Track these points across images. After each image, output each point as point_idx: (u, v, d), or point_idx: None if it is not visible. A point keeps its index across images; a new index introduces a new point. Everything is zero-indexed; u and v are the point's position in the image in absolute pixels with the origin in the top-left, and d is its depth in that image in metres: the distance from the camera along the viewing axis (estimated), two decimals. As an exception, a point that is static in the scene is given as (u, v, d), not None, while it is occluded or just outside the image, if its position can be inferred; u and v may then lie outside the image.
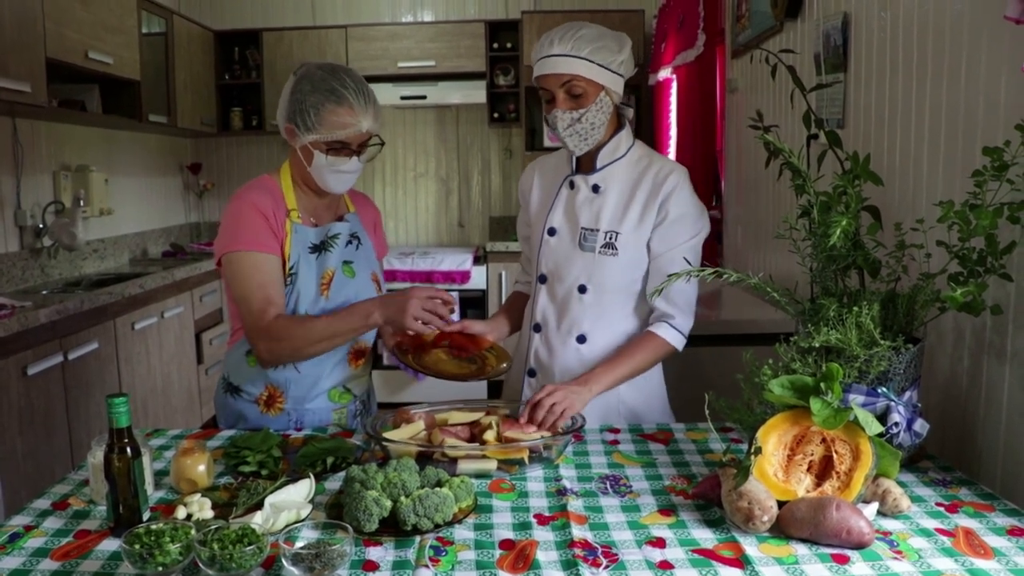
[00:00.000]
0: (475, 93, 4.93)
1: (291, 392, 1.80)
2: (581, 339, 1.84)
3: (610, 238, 1.79)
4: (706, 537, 1.22)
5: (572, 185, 1.86)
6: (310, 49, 4.97)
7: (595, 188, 1.83)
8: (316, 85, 1.69)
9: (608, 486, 1.42)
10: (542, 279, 1.89)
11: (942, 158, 1.71)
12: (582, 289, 1.82)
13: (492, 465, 1.45)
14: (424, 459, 1.45)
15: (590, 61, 1.70)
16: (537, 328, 1.90)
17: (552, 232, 1.87)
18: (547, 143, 4.96)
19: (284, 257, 1.74)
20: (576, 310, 1.83)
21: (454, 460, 1.45)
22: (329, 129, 1.69)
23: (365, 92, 1.71)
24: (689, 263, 1.74)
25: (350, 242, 1.85)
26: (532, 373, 1.92)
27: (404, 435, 1.53)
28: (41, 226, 3.67)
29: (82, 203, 3.84)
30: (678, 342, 1.80)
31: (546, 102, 1.76)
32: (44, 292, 3.39)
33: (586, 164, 1.85)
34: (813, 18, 2.52)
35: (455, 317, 1.77)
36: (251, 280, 1.69)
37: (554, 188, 1.90)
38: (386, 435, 1.51)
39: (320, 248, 1.78)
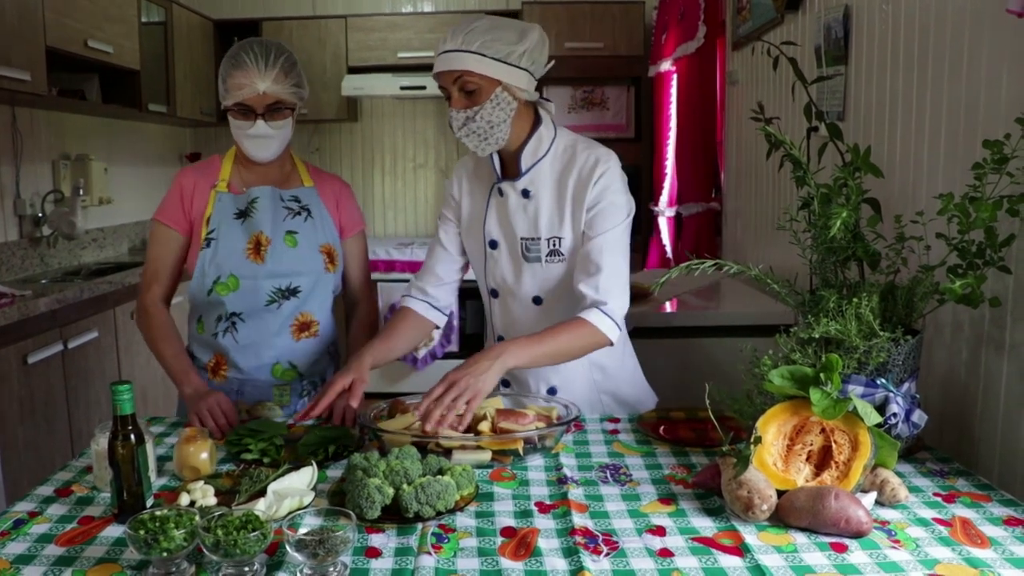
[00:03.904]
0: (475, 84, 4.90)
1: (233, 360, 1.84)
2: None
3: (554, 245, 1.70)
4: (706, 525, 1.23)
5: (501, 192, 1.74)
6: (309, 39, 4.94)
7: (525, 193, 1.71)
8: (228, 56, 1.77)
9: (608, 475, 1.43)
10: (494, 294, 1.82)
11: (943, 151, 1.71)
12: (537, 300, 1.76)
13: (486, 456, 1.45)
14: (418, 449, 1.44)
15: (481, 55, 1.57)
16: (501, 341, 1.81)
17: (494, 245, 1.77)
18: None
19: (205, 223, 1.82)
20: (535, 322, 1.74)
21: (448, 451, 1.45)
22: (231, 93, 1.75)
23: (269, 57, 1.73)
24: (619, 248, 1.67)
25: (298, 213, 1.87)
26: (507, 384, 1.87)
27: (398, 425, 1.53)
28: (40, 215, 3.67)
29: (81, 192, 3.84)
30: (611, 331, 1.63)
31: (447, 100, 1.64)
32: (44, 281, 3.39)
33: (511, 168, 1.73)
34: (814, 10, 2.52)
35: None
36: (152, 250, 1.87)
37: (482, 196, 1.79)
38: (380, 425, 1.52)
39: (244, 214, 1.83)
